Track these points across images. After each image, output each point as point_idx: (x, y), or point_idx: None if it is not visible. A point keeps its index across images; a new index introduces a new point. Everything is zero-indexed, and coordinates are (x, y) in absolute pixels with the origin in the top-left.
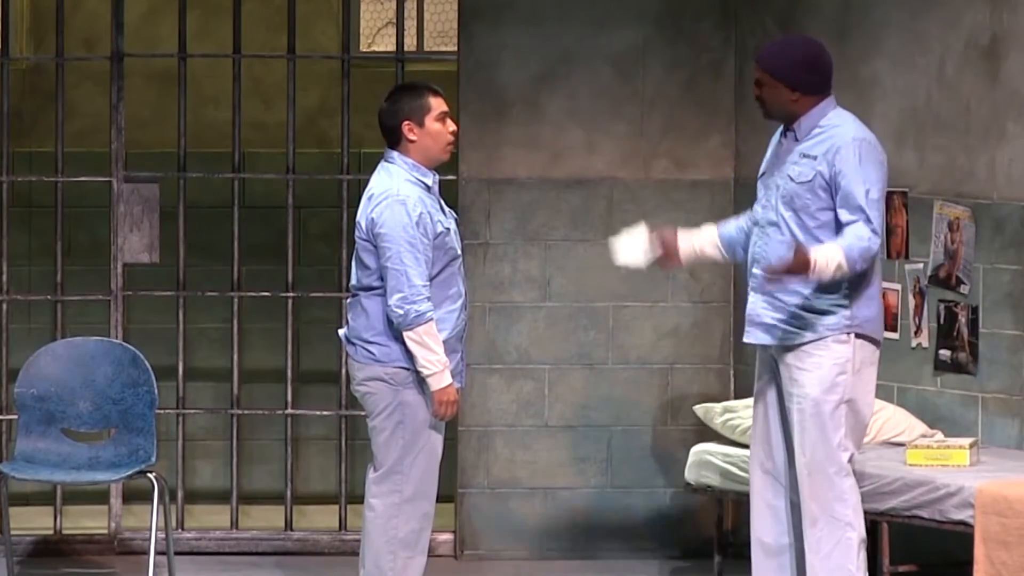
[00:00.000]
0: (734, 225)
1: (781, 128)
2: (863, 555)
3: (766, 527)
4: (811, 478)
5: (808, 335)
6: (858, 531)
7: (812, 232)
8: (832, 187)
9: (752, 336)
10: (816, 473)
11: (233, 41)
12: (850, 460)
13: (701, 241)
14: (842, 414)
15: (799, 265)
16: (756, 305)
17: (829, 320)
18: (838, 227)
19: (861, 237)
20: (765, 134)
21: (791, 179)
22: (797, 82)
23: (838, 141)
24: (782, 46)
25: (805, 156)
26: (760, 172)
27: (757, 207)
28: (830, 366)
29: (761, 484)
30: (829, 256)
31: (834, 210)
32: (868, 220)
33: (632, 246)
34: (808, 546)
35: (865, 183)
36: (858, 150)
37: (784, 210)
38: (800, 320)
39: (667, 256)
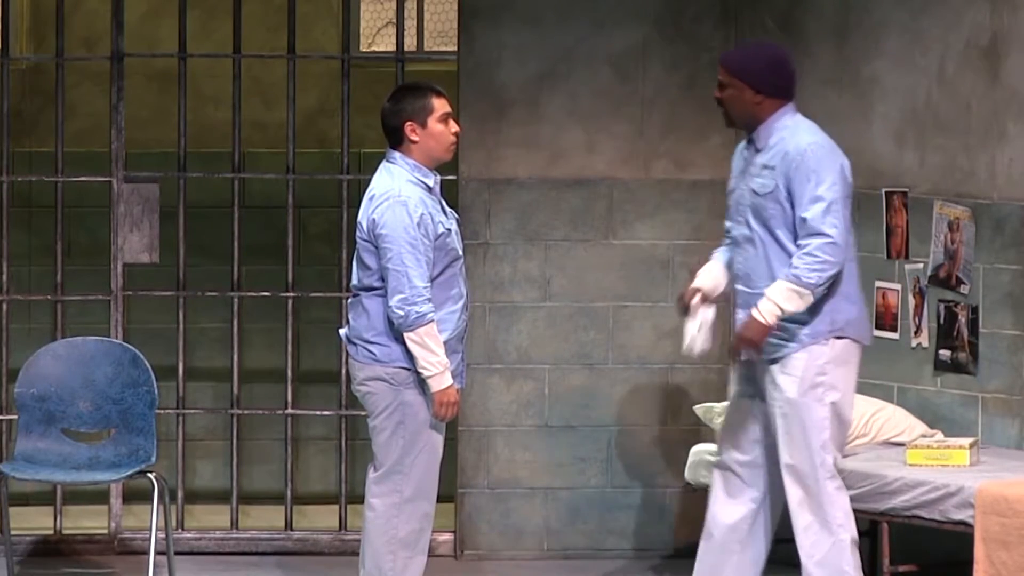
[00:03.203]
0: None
1: (744, 142)
2: (856, 555)
3: (716, 514)
4: (799, 483)
5: (793, 345)
6: (850, 532)
7: (784, 245)
8: (792, 197)
9: (743, 352)
10: (803, 477)
11: (233, 41)
12: (835, 462)
13: (718, 276)
14: (825, 415)
15: (753, 332)
16: (742, 321)
17: (811, 327)
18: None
19: (809, 253)
20: None
21: (755, 192)
22: (760, 84)
23: (792, 150)
24: (747, 48)
25: (765, 167)
26: (729, 188)
27: (729, 224)
28: (809, 367)
29: (718, 477)
30: (773, 295)
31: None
32: (818, 230)
33: (698, 334)
34: (801, 551)
35: (817, 186)
36: (813, 155)
37: (756, 224)
38: (784, 331)
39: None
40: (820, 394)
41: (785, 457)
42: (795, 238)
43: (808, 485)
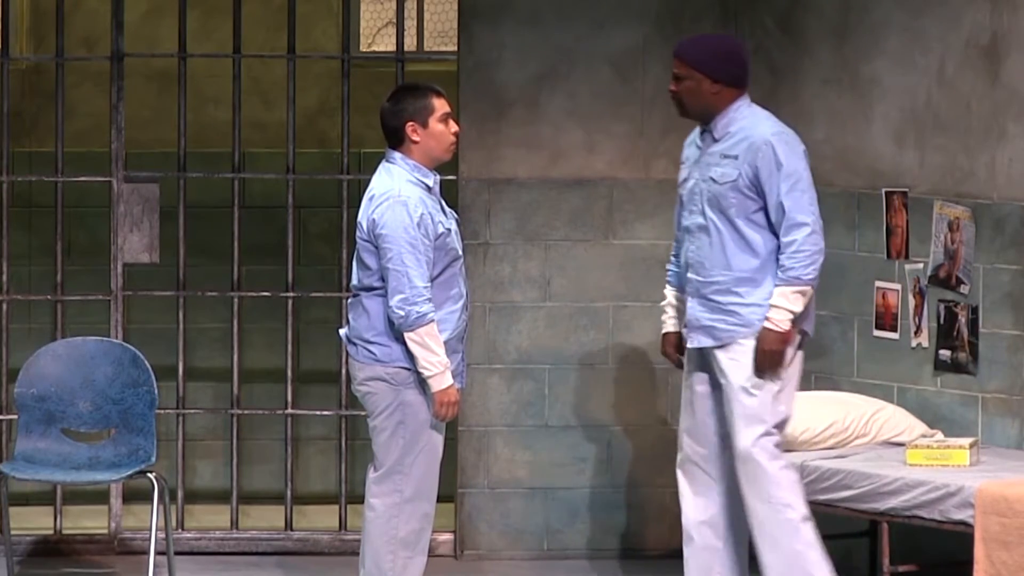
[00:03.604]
0: (677, 272)
1: (697, 133)
2: (811, 531)
3: (689, 514)
4: (744, 467)
5: (743, 330)
6: (798, 510)
7: (742, 233)
8: (756, 187)
9: (695, 340)
10: (748, 461)
11: (233, 41)
12: (777, 445)
13: (677, 310)
14: (767, 401)
15: (773, 343)
16: (694, 309)
17: (761, 313)
18: (769, 226)
19: (798, 251)
20: None
21: (714, 181)
22: (718, 73)
23: (757, 139)
24: (700, 39)
25: (726, 156)
26: (681, 179)
27: (684, 213)
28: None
29: (684, 473)
30: (780, 303)
31: (763, 210)
32: (796, 221)
33: None
34: (754, 536)
35: (789, 175)
36: (780, 143)
37: (712, 213)
38: (736, 316)
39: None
40: (763, 382)
41: (734, 440)
42: (754, 227)
43: (751, 468)
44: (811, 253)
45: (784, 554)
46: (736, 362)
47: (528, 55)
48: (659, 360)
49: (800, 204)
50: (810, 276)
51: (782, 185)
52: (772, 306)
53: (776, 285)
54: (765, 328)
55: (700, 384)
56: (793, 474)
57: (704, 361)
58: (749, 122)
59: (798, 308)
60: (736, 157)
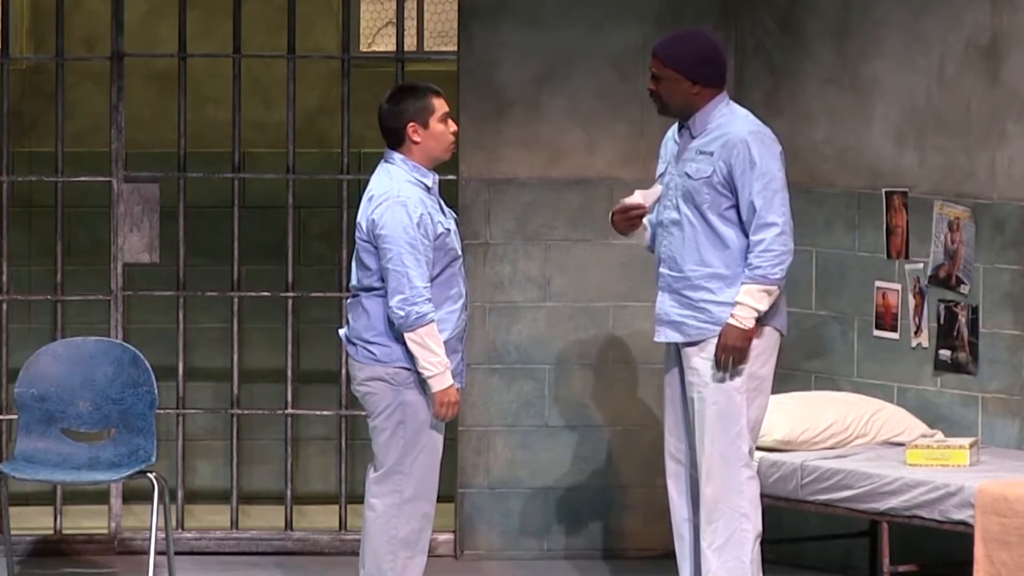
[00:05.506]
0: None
1: (675, 128)
2: (757, 549)
3: (677, 513)
4: (710, 468)
5: (715, 328)
6: (754, 524)
7: (715, 228)
8: (730, 184)
9: (662, 335)
10: (715, 463)
11: (233, 41)
12: (749, 452)
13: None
14: (742, 403)
15: (735, 339)
16: (664, 303)
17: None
18: (740, 223)
19: (767, 250)
20: None
21: (689, 176)
22: (697, 74)
23: (733, 137)
24: (679, 39)
25: (701, 152)
26: (658, 173)
27: (659, 208)
28: None
29: (668, 472)
30: (746, 300)
31: (735, 207)
32: (767, 221)
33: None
34: (703, 536)
35: (762, 175)
36: (754, 144)
37: (685, 208)
38: (706, 314)
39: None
40: (739, 380)
41: (699, 440)
42: (727, 223)
43: (719, 471)
44: (779, 253)
45: (728, 560)
46: (709, 362)
47: (528, 55)
48: (659, 360)
49: (771, 204)
50: (777, 276)
51: (754, 184)
52: (738, 303)
53: (743, 283)
54: (729, 324)
55: (678, 381)
56: (757, 486)
57: (677, 354)
58: (727, 119)
59: (763, 307)
60: (712, 154)
